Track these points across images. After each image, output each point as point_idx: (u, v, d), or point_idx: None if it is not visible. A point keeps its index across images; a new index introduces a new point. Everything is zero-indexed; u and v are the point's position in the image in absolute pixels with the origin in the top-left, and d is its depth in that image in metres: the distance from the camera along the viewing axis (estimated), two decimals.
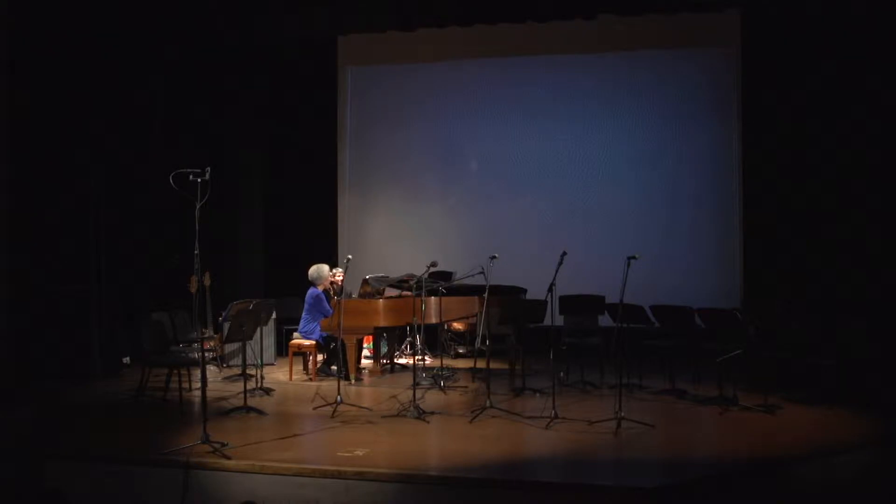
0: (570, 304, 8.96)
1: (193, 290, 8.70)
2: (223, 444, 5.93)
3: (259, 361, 8.65)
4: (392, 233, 11.68)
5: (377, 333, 9.49)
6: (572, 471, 5.82)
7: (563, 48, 11.02)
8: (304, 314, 9.11)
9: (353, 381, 8.71)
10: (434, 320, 8.84)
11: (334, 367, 8.67)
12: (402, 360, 10.18)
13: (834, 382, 7.43)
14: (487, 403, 7.20)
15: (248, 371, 7.87)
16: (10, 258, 8.57)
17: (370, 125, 11.75)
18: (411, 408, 7.11)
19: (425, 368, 9.22)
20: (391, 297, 9.30)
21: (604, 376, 8.57)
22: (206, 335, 9.21)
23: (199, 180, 6.07)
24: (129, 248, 9.73)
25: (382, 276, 9.64)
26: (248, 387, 7.62)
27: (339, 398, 7.26)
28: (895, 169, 8.97)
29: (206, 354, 8.50)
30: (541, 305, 7.52)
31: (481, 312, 7.84)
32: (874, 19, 8.91)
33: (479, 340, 7.93)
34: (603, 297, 8.80)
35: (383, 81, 11.70)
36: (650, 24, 10.44)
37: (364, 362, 9.69)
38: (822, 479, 5.86)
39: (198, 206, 6.07)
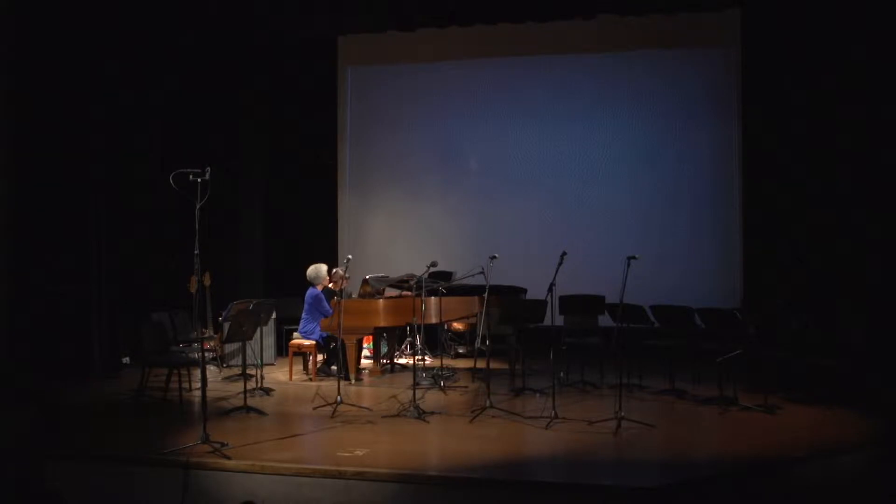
0: (570, 304, 8.96)
1: (193, 290, 8.69)
2: (223, 444, 5.92)
3: (259, 361, 8.65)
4: (392, 233, 11.69)
5: (377, 333, 9.48)
6: (572, 471, 5.82)
7: (563, 48, 11.03)
8: (303, 314, 9.11)
9: (353, 381, 8.71)
10: (434, 320, 8.84)
11: (334, 367, 8.67)
12: (402, 360, 10.17)
13: (834, 382, 7.43)
14: (487, 403, 7.20)
15: (248, 371, 7.87)
16: (10, 258, 8.58)
17: (370, 125, 11.76)
18: (411, 408, 7.11)
19: (425, 368, 9.22)
20: (391, 297, 9.30)
21: (604, 376, 8.58)
22: (206, 335, 9.22)
23: (199, 180, 6.06)
24: (129, 248, 9.73)
25: (382, 276, 9.64)
26: (248, 387, 7.62)
27: (339, 398, 7.26)
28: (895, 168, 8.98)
29: (206, 354, 8.50)
30: (541, 305, 7.52)
31: (481, 312, 7.84)
32: (874, 19, 8.91)
33: (479, 340, 7.93)
34: (603, 297, 8.80)
35: (383, 81, 11.70)
36: (650, 24, 10.47)
37: (364, 362, 9.69)
38: (822, 479, 5.86)
39: (198, 206, 6.07)
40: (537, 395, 7.91)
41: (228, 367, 9.50)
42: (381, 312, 8.78)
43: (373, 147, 11.74)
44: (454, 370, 9.39)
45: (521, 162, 11.21)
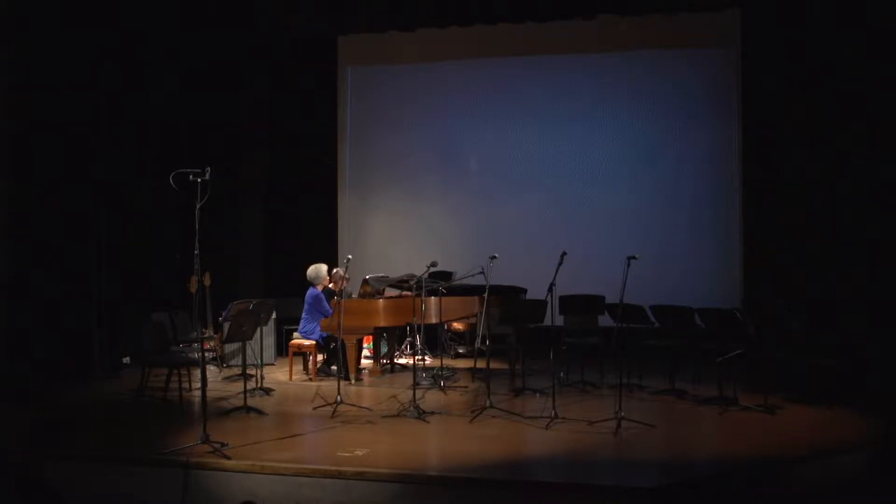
0: (570, 304, 8.96)
1: (193, 290, 8.70)
2: (223, 444, 5.92)
3: (259, 361, 8.65)
4: (392, 233, 11.69)
5: (377, 333, 9.49)
6: (572, 471, 5.81)
7: (563, 48, 11.03)
8: (303, 314, 9.11)
9: (353, 381, 8.71)
10: (434, 320, 8.84)
11: (334, 367, 8.67)
12: (402, 360, 10.17)
13: (834, 382, 7.43)
14: (487, 403, 7.19)
15: (248, 371, 7.87)
16: (10, 258, 8.57)
17: (370, 125, 11.76)
18: (411, 408, 7.11)
19: (425, 368, 9.22)
20: (391, 297, 9.30)
21: (604, 376, 8.57)
22: (206, 335, 9.22)
23: (199, 180, 6.06)
24: (129, 248, 9.72)
25: (382, 276, 9.64)
26: (248, 387, 7.62)
27: (339, 398, 7.26)
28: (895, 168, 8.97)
29: (206, 354, 8.50)
30: (541, 305, 7.52)
31: (481, 312, 7.84)
32: (874, 18, 8.91)
33: (479, 340, 7.93)
34: (603, 297, 8.80)
35: (383, 81, 11.70)
36: (650, 24, 10.47)
37: (364, 362, 9.69)
38: (822, 479, 5.86)
39: (198, 206, 6.07)
40: (537, 395, 7.91)
41: (228, 367, 9.50)
42: (381, 312, 8.78)
43: (373, 147, 11.74)
44: (454, 370, 9.39)
45: (521, 162, 11.21)
